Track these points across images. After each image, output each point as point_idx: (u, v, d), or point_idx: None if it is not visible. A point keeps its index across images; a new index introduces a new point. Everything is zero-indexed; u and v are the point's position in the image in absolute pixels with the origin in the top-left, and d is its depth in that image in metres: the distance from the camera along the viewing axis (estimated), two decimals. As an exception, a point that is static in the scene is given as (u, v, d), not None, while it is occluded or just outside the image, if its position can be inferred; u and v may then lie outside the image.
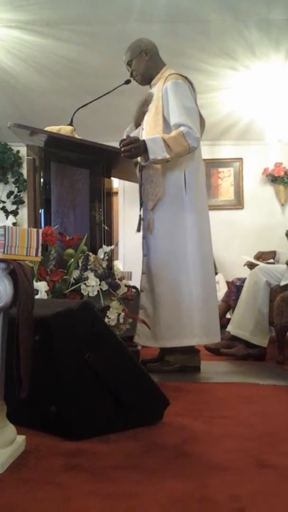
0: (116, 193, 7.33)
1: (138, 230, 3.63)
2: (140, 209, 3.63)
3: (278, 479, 1.55)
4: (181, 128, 3.30)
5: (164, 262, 3.46)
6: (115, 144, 3.34)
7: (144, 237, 3.60)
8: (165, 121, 3.44)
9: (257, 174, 7.45)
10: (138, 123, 3.70)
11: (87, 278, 2.91)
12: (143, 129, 3.67)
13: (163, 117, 3.45)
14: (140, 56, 3.59)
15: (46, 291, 2.72)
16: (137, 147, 3.22)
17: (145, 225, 3.57)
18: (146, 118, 3.63)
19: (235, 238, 7.18)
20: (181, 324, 3.41)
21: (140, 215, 3.62)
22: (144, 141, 3.24)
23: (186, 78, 3.49)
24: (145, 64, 3.60)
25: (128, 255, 7.20)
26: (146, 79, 3.64)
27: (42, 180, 3.23)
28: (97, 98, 3.65)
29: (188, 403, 2.58)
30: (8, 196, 7.56)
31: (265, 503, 1.38)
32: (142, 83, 3.67)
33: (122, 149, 3.23)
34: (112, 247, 3.27)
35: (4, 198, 7.57)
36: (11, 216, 7.42)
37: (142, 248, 3.61)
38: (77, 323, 1.97)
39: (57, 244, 2.97)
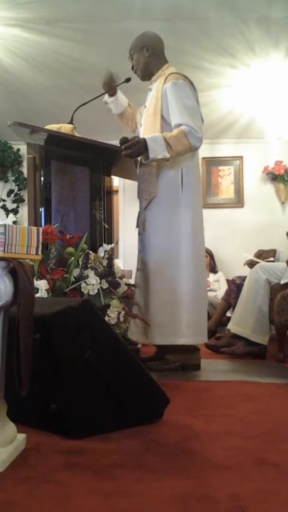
0: (117, 191, 7.33)
1: (137, 226, 3.61)
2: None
3: (278, 477, 1.56)
4: (183, 127, 3.29)
5: (157, 260, 3.45)
6: (115, 142, 3.33)
7: (139, 234, 3.58)
8: (164, 121, 3.42)
9: (257, 172, 7.44)
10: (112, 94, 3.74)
11: (87, 277, 2.92)
12: (141, 125, 3.66)
13: (161, 117, 3.43)
14: (141, 51, 3.57)
15: (46, 290, 2.72)
16: (138, 147, 3.22)
17: (139, 222, 3.57)
18: (144, 115, 3.62)
19: (235, 237, 7.17)
20: (171, 322, 3.40)
21: (139, 212, 3.62)
22: (144, 139, 3.24)
23: (186, 77, 3.47)
24: (145, 60, 3.58)
25: (129, 253, 7.19)
26: (146, 75, 3.63)
27: (42, 178, 3.23)
28: (98, 96, 3.65)
29: (188, 401, 2.58)
30: (8, 195, 7.55)
31: (265, 501, 1.38)
32: (142, 78, 3.65)
33: (123, 148, 3.22)
34: (112, 245, 3.27)
35: (4, 196, 7.56)
36: (11, 215, 7.42)
37: (138, 245, 3.60)
38: (77, 321, 1.97)
39: (57, 242, 2.97)
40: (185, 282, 3.43)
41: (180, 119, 3.32)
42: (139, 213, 3.59)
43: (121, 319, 2.99)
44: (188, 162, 3.48)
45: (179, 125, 3.31)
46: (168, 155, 3.26)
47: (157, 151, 3.24)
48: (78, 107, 3.52)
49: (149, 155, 3.23)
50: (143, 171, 3.50)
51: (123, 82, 3.63)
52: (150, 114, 3.51)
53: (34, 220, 3.36)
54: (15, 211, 7.52)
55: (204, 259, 3.70)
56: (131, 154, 3.24)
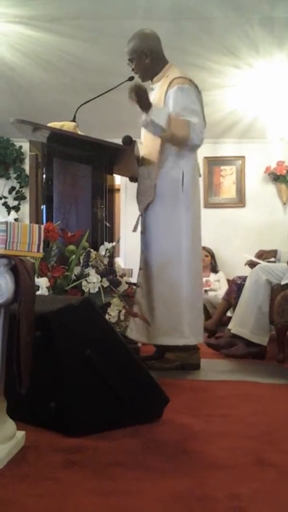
0: (118, 190, 7.32)
1: (134, 230, 3.63)
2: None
3: (277, 477, 1.55)
4: (189, 119, 3.29)
5: (159, 260, 3.47)
6: (118, 140, 3.33)
7: (142, 234, 3.60)
8: None
9: (259, 172, 7.43)
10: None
11: (88, 275, 2.91)
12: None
13: None
14: (140, 57, 3.52)
15: (47, 287, 2.72)
16: (146, 101, 3.18)
17: (143, 222, 3.59)
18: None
19: (237, 237, 7.16)
20: (172, 323, 3.41)
21: (139, 214, 3.63)
22: (151, 104, 3.21)
23: (191, 81, 3.45)
24: (146, 65, 3.55)
25: (130, 252, 7.18)
26: (147, 77, 3.62)
27: (44, 176, 3.23)
28: (100, 95, 3.64)
29: (188, 401, 2.58)
30: (10, 192, 7.54)
31: (265, 502, 1.38)
32: (143, 80, 3.64)
33: (133, 88, 3.17)
34: (114, 244, 3.27)
35: (6, 193, 7.56)
36: (13, 212, 7.41)
37: (140, 245, 3.61)
38: (78, 319, 1.97)
39: (58, 240, 2.97)
40: (186, 283, 3.43)
41: (186, 117, 3.31)
42: (139, 215, 3.61)
43: (122, 317, 2.99)
44: (189, 164, 3.48)
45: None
46: (164, 128, 3.21)
47: (159, 117, 3.21)
48: (81, 105, 3.51)
49: (151, 113, 3.20)
50: (142, 173, 3.52)
51: (126, 81, 3.61)
52: None
53: (36, 218, 3.36)
54: (16, 209, 7.51)
55: (201, 260, 3.70)
56: (138, 100, 3.17)
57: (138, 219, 3.62)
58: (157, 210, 3.48)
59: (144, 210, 3.53)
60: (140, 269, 3.59)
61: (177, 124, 3.26)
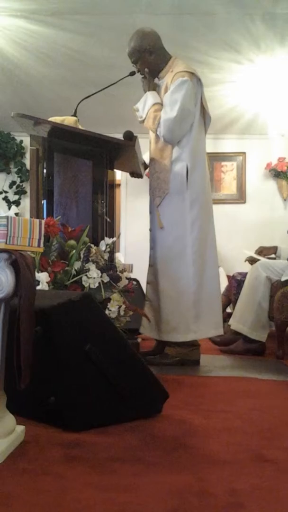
0: (119, 185, 7.32)
1: (151, 224, 3.64)
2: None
3: (276, 474, 1.56)
4: (163, 113, 3.41)
5: (166, 256, 3.49)
6: (119, 135, 3.33)
7: (150, 230, 3.61)
8: None
9: (260, 168, 7.43)
10: None
11: (88, 270, 2.91)
12: None
13: None
14: (144, 56, 3.52)
15: (47, 282, 2.72)
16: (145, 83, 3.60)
17: (151, 219, 3.60)
18: None
19: (237, 233, 7.17)
20: (178, 318, 3.43)
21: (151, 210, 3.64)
22: (147, 93, 3.57)
23: (193, 73, 3.44)
24: (150, 62, 3.54)
25: (130, 247, 7.20)
26: (154, 74, 3.61)
27: (45, 170, 3.23)
28: (102, 89, 3.63)
29: (187, 397, 2.58)
30: (10, 186, 7.54)
31: (263, 498, 1.38)
32: (150, 78, 3.63)
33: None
34: (114, 239, 3.26)
35: (6, 188, 7.55)
36: (13, 206, 7.41)
37: (150, 242, 3.63)
38: (78, 314, 1.97)
39: (59, 235, 2.97)
40: (192, 279, 3.44)
41: (165, 108, 3.41)
42: (151, 210, 3.60)
43: (122, 313, 2.99)
44: (191, 159, 3.47)
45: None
46: (143, 117, 3.56)
47: (143, 105, 3.56)
48: (82, 100, 3.51)
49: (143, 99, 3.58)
50: (154, 168, 3.53)
51: (127, 76, 3.61)
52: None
53: (36, 212, 3.36)
54: (17, 203, 7.51)
55: (215, 254, 3.67)
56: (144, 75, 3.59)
57: (158, 214, 3.58)
58: (166, 206, 3.49)
59: (158, 205, 3.53)
60: (149, 265, 3.62)
61: (149, 116, 3.49)
